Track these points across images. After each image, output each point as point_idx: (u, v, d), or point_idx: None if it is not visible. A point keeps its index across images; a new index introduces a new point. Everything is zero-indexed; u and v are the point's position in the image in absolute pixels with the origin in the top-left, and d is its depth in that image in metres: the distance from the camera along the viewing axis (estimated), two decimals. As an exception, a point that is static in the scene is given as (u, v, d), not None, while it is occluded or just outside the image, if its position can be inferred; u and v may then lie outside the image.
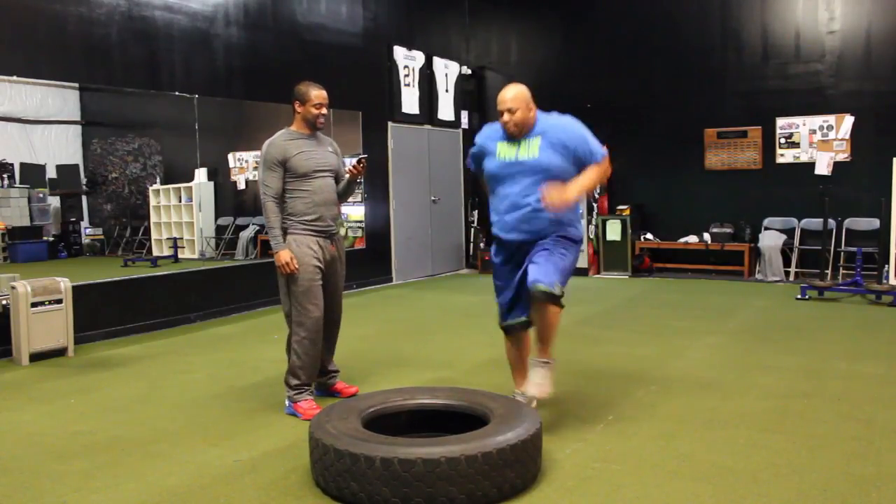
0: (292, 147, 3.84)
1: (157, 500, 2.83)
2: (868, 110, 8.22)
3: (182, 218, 7.55)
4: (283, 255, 3.76)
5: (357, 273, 8.01)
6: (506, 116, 3.49)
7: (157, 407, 4.08)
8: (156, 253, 7.47)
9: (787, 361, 4.76)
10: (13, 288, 5.18)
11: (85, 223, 7.02)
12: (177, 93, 6.65)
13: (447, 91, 10.06)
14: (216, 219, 7.93)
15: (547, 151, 3.46)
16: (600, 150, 3.56)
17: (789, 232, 8.62)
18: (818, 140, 8.49)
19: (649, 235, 9.41)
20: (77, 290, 5.53)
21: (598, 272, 9.37)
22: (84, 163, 7.10)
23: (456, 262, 10.32)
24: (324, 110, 3.92)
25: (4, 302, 5.23)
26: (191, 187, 7.50)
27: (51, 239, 6.74)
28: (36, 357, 5.18)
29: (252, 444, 3.43)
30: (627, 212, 9.23)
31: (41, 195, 6.67)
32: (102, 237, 7.20)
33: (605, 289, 8.24)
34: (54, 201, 6.82)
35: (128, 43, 6.20)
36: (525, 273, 3.44)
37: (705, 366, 4.73)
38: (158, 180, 7.59)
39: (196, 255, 7.40)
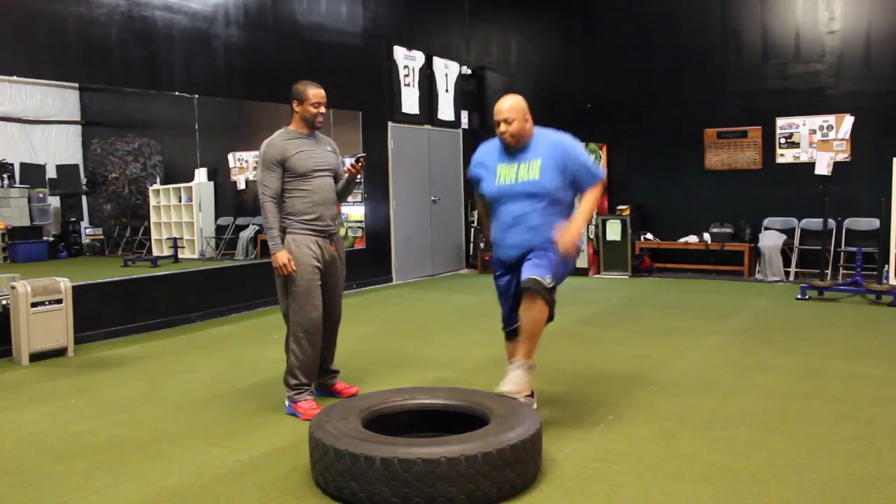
0: (291, 147, 3.83)
1: (157, 500, 2.83)
2: (868, 110, 8.22)
3: (182, 218, 7.56)
4: (281, 257, 3.75)
5: (357, 273, 8.01)
6: (502, 127, 3.50)
7: (158, 407, 4.08)
8: (156, 253, 7.48)
9: (787, 361, 4.76)
10: (13, 288, 5.18)
11: (85, 223, 7.02)
12: (177, 93, 6.65)
13: (447, 91, 10.06)
14: (216, 219, 7.93)
15: (547, 173, 3.46)
16: (598, 173, 3.56)
17: (789, 232, 8.62)
18: (818, 140, 8.49)
19: (649, 235, 9.41)
20: (77, 290, 5.53)
21: (598, 272, 9.37)
22: (84, 163, 7.10)
23: (456, 262, 10.32)
24: (322, 109, 3.91)
25: (4, 302, 5.23)
26: (191, 187, 7.50)
27: (51, 239, 6.75)
28: (36, 357, 5.19)
29: (252, 444, 3.43)
30: (627, 212, 9.23)
31: (41, 195, 6.68)
32: (102, 237, 7.20)
33: (605, 289, 8.24)
34: (54, 201, 6.82)
35: (128, 43, 6.20)
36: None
37: (705, 366, 4.73)
38: (158, 180, 7.59)
39: (196, 255, 7.40)
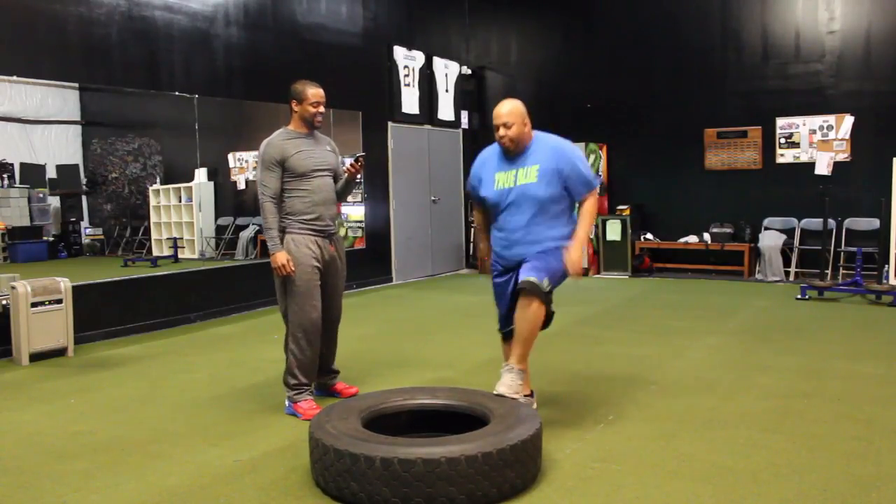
0: (290, 146, 3.83)
1: (157, 500, 2.83)
2: (868, 110, 8.22)
3: (182, 218, 7.56)
4: (280, 258, 3.75)
5: (357, 273, 8.01)
6: (501, 131, 3.50)
7: (158, 407, 4.08)
8: (156, 253, 7.47)
9: (787, 361, 4.76)
10: (13, 288, 5.18)
11: (85, 223, 7.02)
12: (177, 93, 6.65)
13: (447, 91, 10.06)
14: (216, 219, 7.93)
15: (544, 178, 3.47)
16: (593, 180, 3.57)
17: (789, 232, 8.62)
18: (818, 140, 8.49)
19: (649, 235, 9.41)
20: (77, 290, 5.53)
21: (598, 272, 9.38)
22: (84, 163, 7.10)
23: (456, 262, 10.32)
24: (321, 109, 3.90)
25: (4, 302, 5.23)
26: (191, 187, 7.50)
27: (51, 239, 6.75)
28: (36, 357, 5.19)
29: (252, 444, 3.43)
30: (627, 212, 9.23)
31: (41, 195, 6.67)
32: (102, 237, 7.20)
33: (605, 289, 8.24)
34: (54, 201, 6.82)
35: (128, 43, 6.21)
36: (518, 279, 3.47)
37: (705, 366, 4.73)
38: (158, 180, 7.59)
39: (196, 255, 7.40)
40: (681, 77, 9.22)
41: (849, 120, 8.30)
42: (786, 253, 8.56)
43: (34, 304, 5.16)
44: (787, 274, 8.52)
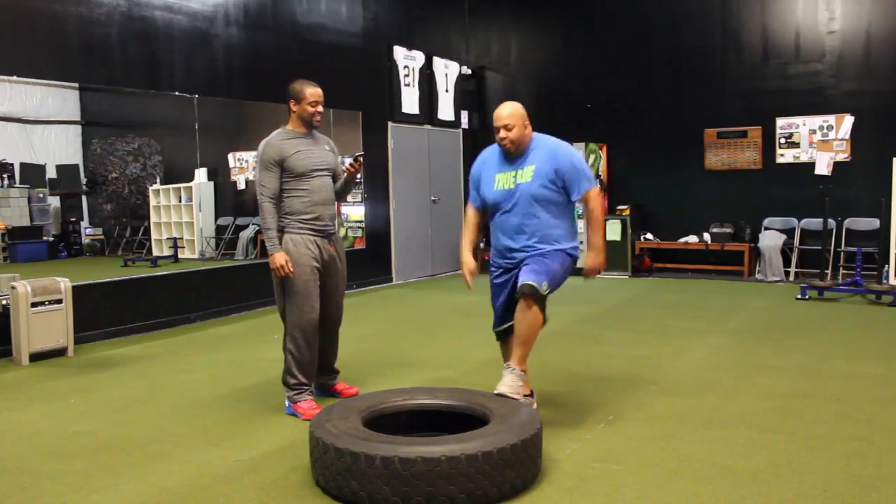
0: (289, 146, 3.82)
1: (157, 500, 2.83)
2: (868, 110, 8.22)
3: (182, 218, 7.56)
4: (279, 258, 3.74)
5: (357, 273, 8.00)
6: (502, 133, 3.52)
7: (158, 407, 4.08)
8: (156, 253, 7.47)
9: (787, 361, 4.76)
10: (13, 288, 5.18)
11: (85, 223, 7.02)
12: (177, 93, 6.66)
13: (447, 91, 10.06)
14: (216, 219, 7.93)
15: (541, 179, 3.49)
16: (591, 178, 3.57)
17: (789, 232, 8.62)
18: (818, 140, 8.49)
19: (649, 235, 9.41)
20: (77, 290, 5.53)
21: (598, 272, 9.36)
22: (84, 163, 7.10)
23: (456, 262, 10.30)
24: (320, 108, 3.89)
25: (4, 302, 5.23)
26: (191, 187, 7.50)
27: (51, 239, 6.74)
28: (36, 357, 5.19)
29: (252, 444, 3.43)
30: (627, 212, 9.23)
31: (41, 195, 6.67)
32: (102, 237, 7.20)
33: (605, 289, 8.24)
34: (54, 201, 6.82)
35: (128, 43, 6.21)
36: (516, 281, 3.48)
37: (705, 366, 4.73)
38: (158, 180, 7.59)
39: (196, 255, 7.40)
40: (681, 77, 9.22)
41: (849, 120, 8.30)
42: (786, 253, 8.56)
43: (34, 304, 5.16)
44: (787, 274, 8.52)
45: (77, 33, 5.86)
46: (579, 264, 3.70)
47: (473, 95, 10.62)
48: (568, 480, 2.91)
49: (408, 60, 9.33)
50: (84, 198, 7.04)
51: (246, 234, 7.97)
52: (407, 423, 3.22)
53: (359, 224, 8.82)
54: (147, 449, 3.40)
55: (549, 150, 3.55)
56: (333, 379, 4.18)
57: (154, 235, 7.55)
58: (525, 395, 3.50)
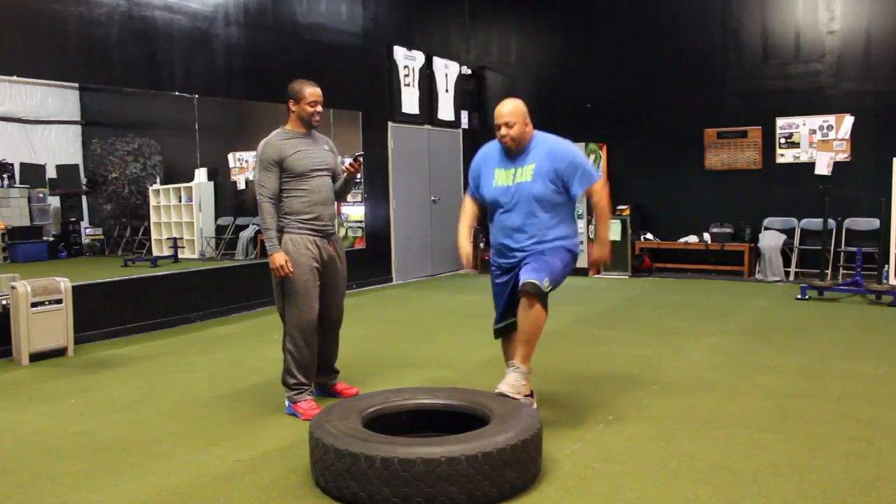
0: (288, 146, 3.81)
1: (157, 500, 2.83)
2: (868, 110, 8.23)
3: (182, 218, 7.55)
4: (278, 258, 3.73)
5: (357, 273, 8.00)
6: (503, 130, 3.51)
7: (157, 407, 4.08)
8: (156, 253, 7.47)
9: (787, 361, 4.76)
10: (13, 288, 5.18)
11: (85, 223, 7.02)
12: (177, 93, 6.65)
13: (447, 91, 10.06)
14: (216, 219, 7.93)
15: (541, 177, 3.49)
16: (595, 172, 3.58)
17: (789, 232, 8.62)
18: (818, 140, 8.49)
19: (649, 235, 9.41)
20: (77, 290, 5.53)
21: (598, 272, 9.37)
22: (84, 163, 7.10)
23: (456, 262, 10.31)
24: (319, 108, 3.89)
25: (4, 302, 5.23)
26: (191, 187, 7.50)
27: (51, 239, 6.74)
28: (36, 357, 5.19)
29: (252, 444, 3.43)
30: (627, 212, 9.23)
31: (41, 195, 6.67)
32: (102, 237, 7.20)
33: (605, 289, 8.24)
34: (54, 201, 6.82)
35: (128, 43, 6.21)
36: (517, 279, 3.48)
37: (705, 366, 4.73)
38: (158, 180, 7.59)
39: (196, 255, 7.40)
40: (681, 77, 9.22)
41: (849, 120, 8.30)
42: (786, 253, 8.56)
43: (34, 304, 5.16)
44: (787, 274, 8.52)
45: (77, 33, 5.86)
46: (582, 263, 3.71)
47: (473, 95, 10.62)
48: (568, 480, 2.91)
49: (408, 60, 9.34)
50: (84, 198, 7.04)
51: (246, 234, 7.97)
52: (407, 424, 3.22)
53: (359, 224, 8.82)
54: (147, 449, 3.40)
55: (549, 148, 3.55)
56: (334, 379, 4.18)
57: (154, 235, 7.55)
58: (525, 396, 3.51)
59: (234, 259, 7.88)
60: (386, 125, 9.04)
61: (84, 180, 7.02)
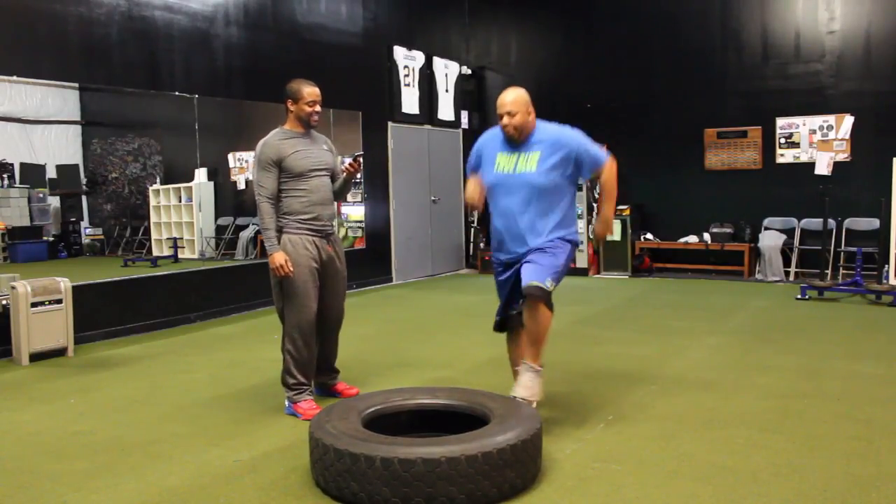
0: (287, 146, 3.81)
1: (157, 500, 2.83)
2: (868, 110, 8.23)
3: (182, 218, 7.55)
4: (278, 258, 3.73)
5: (357, 273, 8.00)
6: (505, 119, 3.51)
7: (157, 407, 4.08)
8: (156, 253, 7.47)
9: (787, 361, 4.76)
10: (13, 288, 5.18)
11: (85, 223, 7.02)
12: (177, 93, 6.65)
13: (447, 91, 10.06)
14: (216, 219, 7.93)
15: (544, 166, 3.48)
16: (602, 153, 3.59)
17: (789, 232, 8.62)
18: (818, 140, 8.49)
19: (649, 235, 9.41)
20: (77, 290, 5.53)
21: (598, 272, 9.37)
22: (84, 163, 7.10)
23: (456, 262, 10.32)
24: (317, 108, 3.88)
25: (4, 302, 5.23)
26: (191, 187, 7.50)
27: (51, 239, 6.74)
28: (36, 357, 5.18)
29: (252, 444, 3.43)
30: (627, 212, 9.23)
31: (41, 195, 6.67)
32: (102, 237, 7.20)
33: (605, 289, 8.24)
34: (54, 201, 6.82)
35: (128, 43, 6.20)
36: (519, 273, 3.48)
37: (705, 366, 4.73)
38: (158, 180, 7.59)
39: (196, 255, 7.40)
40: (681, 77, 9.22)
41: (849, 120, 8.30)
42: (786, 253, 8.56)
43: (34, 304, 5.16)
44: (787, 274, 8.52)
45: (77, 33, 5.86)
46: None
47: (473, 95, 10.62)
48: (568, 480, 2.91)
49: (408, 60, 9.33)
50: (84, 198, 7.04)
51: (246, 234, 7.97)
52: (407, 424, 3.22)
53: (359, 224, 8.82)
54: (147, 449, 3.40)
55: (553, 136, 3.55)
56: (334, 379, 4.18)
57: (154, 235, 7.55)
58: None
59: (234, 259, 7.88)
60: (386, 125, 9.04)
61: (84, 180, 7.03)
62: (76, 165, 7.03)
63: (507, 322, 3.69)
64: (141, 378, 4.73)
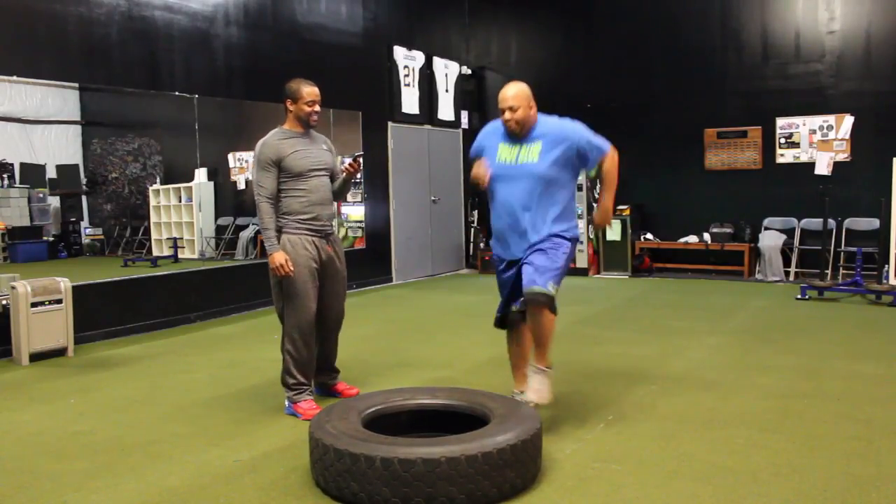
0: (286, 146, 3.80)
1: (157, 500, 2.83)
2: (868, 110, 8.22)
3: (182, 218, 7.56)
4: (278, 258, 3.72)
5: (357, 273, 8.00)
6: (507, 114, 3.51)
7: (157, 407, 4.08)
8: (156, 253, 7.47)
9: (787, 361, 4.76)
10: (13, 288, 5.18)
11: (85, 223, 7.02)
12: (177, 93, 6.65)
13: (447, 91, 10.06)
14: (216, 219, 7.93)
15: (546, 157, 3.48)
16: (604, 143, 3.60)
17: (789, 232, 8.62)
18: (818, 140, 8.49)
19: (649, 235, 9.41)
20: (77, 290, 5.53)
21: (598, 272, 9.37)
22: (84, 163, 7.10)
23: (456, 262, 10.32)
24: (317, 107, 3.88)
25: (4, 302, 5.23)
26: (191, 187, 7.50)
27: (51, 239, 6.74)
28: (36, 357, 5.18)
29: (252, 444, 3.43)
30: (627, 212, 9.23)
31: (41, 195, 6.67)
32: (102, 237, 7.20)
33: (605, 289, 8.24)
34: (54, 201, 6.82)
35: (128, 43, 6.20)
36: (520, 272, 3.48)
37: (705, 366, 4.73)
38: (158, 180, 7.59)
39: (196, 255, 7.40)
40: (681, 77, 9.22)
41: (849, 120, 8.30)
42: (786, 253, 8.56)
43: (34, 304, 5.16)
44: (787, 274, 8.52)
45: (77, 33, 5.86)
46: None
47: (473, 95, 10.62)
48: (568, 480, 2.91)
49: (408, 60, 9.33)
50: (84, 198, 7.04)
51: (246, 234, 7.97)
52: (407, 424, 3.22)
53: (359, 224, 8.82)
54: (147, 449, 3.40)
55: (554, 129, 3.55)
56: (334, 378, 4.18)
57: (154, 235, 7.55)
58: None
59: (234, 259, 7.88)
60: (386, 125, 9.04)
61: (84, 180, 7.03)
62: (76, 165, 7.03)
63: (508, 318, 3.69)
64: (141, 378, 4.73)
